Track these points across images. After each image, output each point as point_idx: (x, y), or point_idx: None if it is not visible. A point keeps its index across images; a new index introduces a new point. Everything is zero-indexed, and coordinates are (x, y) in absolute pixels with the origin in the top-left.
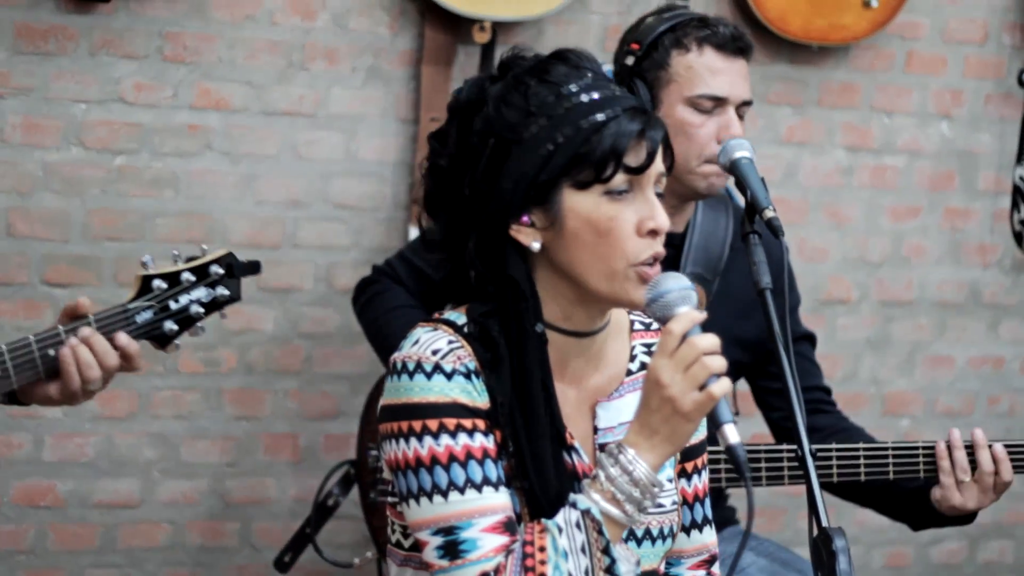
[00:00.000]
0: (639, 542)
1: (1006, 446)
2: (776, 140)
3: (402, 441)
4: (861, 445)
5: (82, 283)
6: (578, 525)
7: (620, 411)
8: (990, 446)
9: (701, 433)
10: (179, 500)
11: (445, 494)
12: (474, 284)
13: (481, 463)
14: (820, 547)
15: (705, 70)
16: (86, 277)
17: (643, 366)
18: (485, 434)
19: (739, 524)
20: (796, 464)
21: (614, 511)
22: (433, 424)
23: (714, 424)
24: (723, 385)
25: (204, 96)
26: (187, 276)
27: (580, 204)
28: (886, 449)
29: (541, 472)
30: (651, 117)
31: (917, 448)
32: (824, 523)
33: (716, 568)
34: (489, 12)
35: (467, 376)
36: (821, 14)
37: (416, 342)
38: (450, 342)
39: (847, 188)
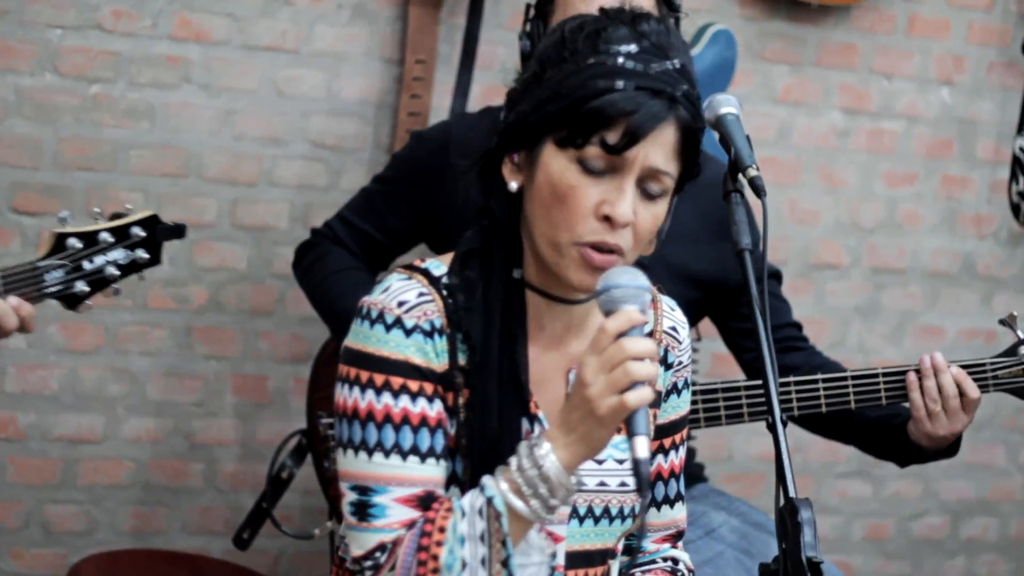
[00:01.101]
0: (596, 520)
1: (963, 366)
2: (771, 99)
3: (347, 387)
4: (820, 376)
5: (51, 211)
6: (480, 512)
7: None
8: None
9: (684, 408)
10: (143, 438)
11: (370, 453)
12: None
13: (415, 430)
14: (785, 517)
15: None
16: (55, 206)
17: None
18: (430, 400)
19: (707, 482)
20: (759, 402)
21: (517, 503)
22: (379, 379)
23: (627, 432)
24: (641, 395)
25: (184, 27)
26: (105, 236)
27: (553, 161)
28: (845, 378)
29: (486, 439)
30: (667, 104)
31: (877, 374)
32: (791, 493)
33: (681, 544)
34: None
35: (428, 335)
36: None
37: (386, 289)
38: (420, 294)
39: (842, 151)
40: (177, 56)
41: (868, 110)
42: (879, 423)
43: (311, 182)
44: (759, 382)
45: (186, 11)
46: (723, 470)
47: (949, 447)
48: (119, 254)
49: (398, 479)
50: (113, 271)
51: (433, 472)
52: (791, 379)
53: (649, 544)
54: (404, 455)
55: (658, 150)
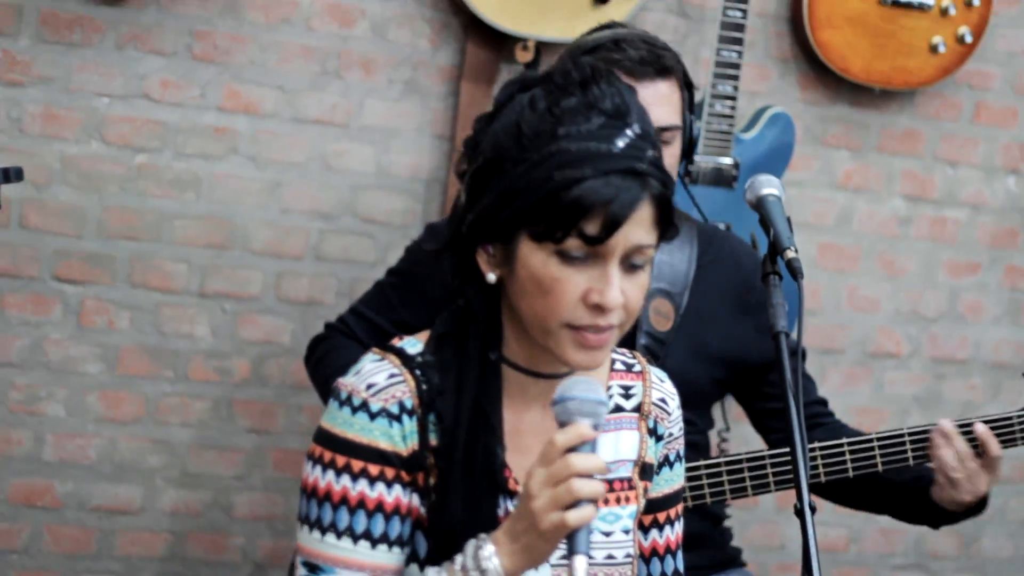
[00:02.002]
0: None
1: (987, 422)
2: (831, 184)
3: (311, 464)
4: (845, 440)
5: (94, 281)
6: None
7: None
8: (968, 430)
9: (678, 482)
10: (181, 510)
11: (324, 532)
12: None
13: (370, 516)
14: None
15: None
16: (98, 275)
17: (617, 408)
18: (389, 485)
19: (745, 567)
20: (786, 471)
21: None
22: (341, 460)
23: (568, 550)
24: (582, 514)
25: (232, 98)
26: None
27: (532, 256)
28: (871, 440)
29: (446, 523)
30: (638, 182)
31: (903, 435)
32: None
33: None
34: (534, 31)
35: (395, 418)
36: (884, 56)
37: (358, 372)
38: (391, 375)
39: (903, 238)
40: (224, 127)
41: (931, 197)
42: (905, 487)
43: (358, 257)
44: (785, 450)
45: (235, 82)
46: (775, 559)
47: (978, 505)
48: None
49: (346, 562)
50: None
51: (384, 559)
52: (816, 445)
53: None
54: (355, 539)
55: (637, 228)
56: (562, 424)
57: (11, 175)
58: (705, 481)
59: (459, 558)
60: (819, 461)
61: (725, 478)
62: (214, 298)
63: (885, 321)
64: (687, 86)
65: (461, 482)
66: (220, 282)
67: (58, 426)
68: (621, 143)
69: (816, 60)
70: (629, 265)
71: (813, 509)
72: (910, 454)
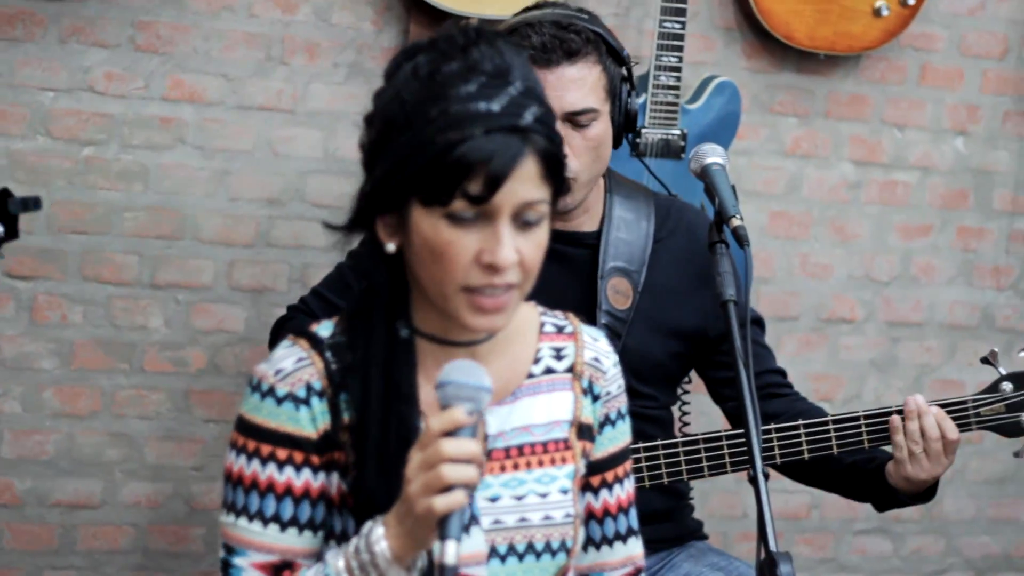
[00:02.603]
0: (520, 556)
1: (943, 405)
2: (780, 151)
3: (229, 450)
4: (801, 423)
5: (45, 276)
6: None
7: (513, 414)
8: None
9: (622, 440)
10: (142, 503)
11: (237, 515)
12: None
13: (279, 499)
14: (765, 572)
15: None
16: (49, 270)
17: (548, 370)
18: (298, 469)
19: (707, 539)
20: (741, 451)
21: None
22: (251, 445)
23: (439, 534)
24: (450, 499)
25: (177, 88)
26: None
27: (423, 222)
28: (826, 423)
29: (362, 497)
30: (520, 138)
31: (859, 419)
32: (772, 547)
33: None
34: (477, 10)
35: (303, 401)
36: (827, 22)
37: (270, 359)
38: (299, 360)
39: (854, 203)
40: (170, 117)
41: (880, 161)
42: (857, 467)
43: (309, 242)
44: (741, 431)
45: (179, 72)
46: (737, 528)
47: (926, 492)
48: None
49: (255, 544)
50: None
51: (292, 542)
52: (772, 426)
53: None
54: (265, 522)
55: (524, 184)
56: (445, 408)
57: (30, 204)
58: (663, 462)
59: (354, 540)
60: (775, 443)
61: (683, 459)
62: (166, 289)
63: (838, 287)
64: (616, 62)
65: (376, 456)
66: (172, 273)
67: (15, 422)
68: (501, 101)
69: (760, 28)
70: (522, 222)
71: (767, 476)
72: (865, 437)
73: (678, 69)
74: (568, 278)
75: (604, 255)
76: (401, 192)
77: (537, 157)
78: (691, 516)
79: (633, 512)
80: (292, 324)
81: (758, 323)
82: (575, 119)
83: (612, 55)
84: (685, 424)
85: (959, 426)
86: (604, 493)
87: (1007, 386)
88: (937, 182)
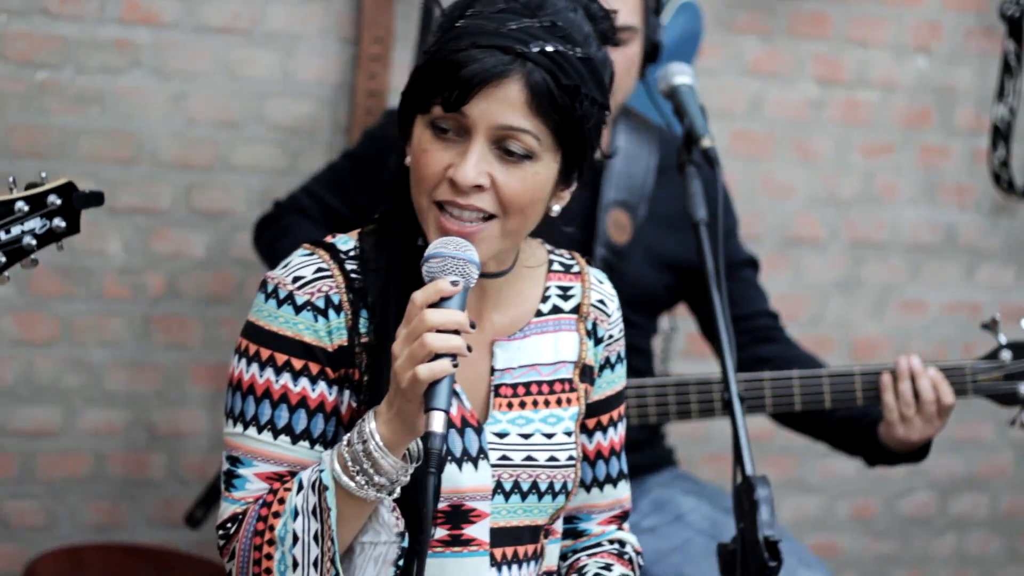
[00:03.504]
0: (524, 495)
1: (942, 368)
2: (741, 70)
3: (237, 357)
4: (796, 372)
5: None
6: (313, 485)
7: (521, 351)
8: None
9: (619, 383)
10: (103, 430)
11: (246, 425)
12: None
13: (292, 410)
14: (742, 496)
15: None
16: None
17: (555, 309)
18: (313, 380)
19: (677, 466)
20: (708, 397)
21: (343, 478)
22: (265, 353)
23: (424, 406)
24: (433, 367)
25: (132, 10)
26: (21, 206)
27: (416, 131)
28: (820, 377)
29: (377, 403)
30: (513, 61)
31: (853, 375)
32: (748, 471)
33: (627, 525)
34: None
35: (322, 312)
36: None
37: (286, 265)
38: (319, 270)
39: (816, 122)
40: (126, 40)
41: (842, 80)
42: (849, 422)
43: (268, 165)
44: (709, 381)
45: None
46: (702, 450)
47: (918, 451)
48: (36, 223)
49: (264, 455)
50: (31, 241)
51: (302, 454)
52: (765, 374)
53: (594, 526)
54: (276, 433)
55: (504, 108)
56: (427, 281)
57: (92, 200)
58: (651, 400)
59: (348, 434)
60: (766, 392)
61: (672, 400)
62: (124, 214)
63: (801, 206)
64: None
65: (390, 369)
66: (129, 197)
67: None
68: (511, 25)
69: None
70: (504, 151)
71: (742, 400)
72: (859, 394)
73: None
74: (568, 207)
75: (607, 184)
76: (410, 101)
77: (526, 84)
78: (663, 444)
79: (623, 455)
80: (282, 224)
81: (752, 264)
82: (617, 35)
83: None
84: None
85: (955, 391)
86: (598, 435)
87: (1006, 355)
88: (899, 100)
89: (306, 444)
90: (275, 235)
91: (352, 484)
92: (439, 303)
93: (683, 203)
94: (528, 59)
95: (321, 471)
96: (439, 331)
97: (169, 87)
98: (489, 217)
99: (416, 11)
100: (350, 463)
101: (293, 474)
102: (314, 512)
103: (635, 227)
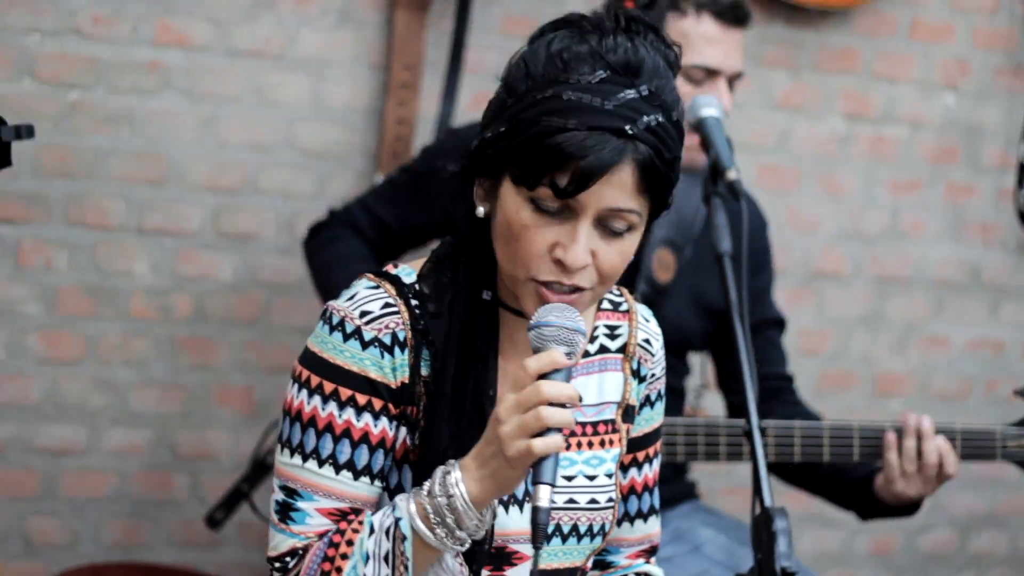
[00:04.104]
0: (564, 538)
1: (971, 432)
2: (769, 104)
3: (298, 387)
4: (797, 423)
5: (30, 219)
6: (387, 532)
7: None
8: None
9: (657, 420)
10: (126, 449)
11: (306, 458)
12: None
13: (355, 446)
14: (760, 527)
15: (700, 39)
16: (35, 214)
17: (603, 348)
18: (376, 416)
19: (699, 499)
20: (737, 441)
21: (423, 529)
22: (329, 387)
23: (532, 478)
24: (549, 442)
25: (165, 32)
26: None
27: (510, 198)
28: (821, 429)
29: (431, 450)
30: (623, 144)
31: (851, 427)
32: (767, 502)
33: (654, 560)
34: None
35: (388, 348)
36: None
37: (352, 297)
38: (386, 304)
39: (843, 157)
40: (158, 62)
41: (870, 116)
42: (844, 474)
43: (297, 190)
44: (739, 425)
45: (167, 16)
46: (723, 483)
47: (910, 506)
48: None
49: (326, 490)
50: None
51: (363, 491)
52: (770, 423)
53: (622, 559)
54: (338, 468)
55: (614, 191)
56: (536, 351)
57: (23, 132)
58: (680, 440)
59: (427, 483)
60: (770, 442)
61: (679, 438)
62: (152, 235)
63: (827, 241)
64: None
65: (449, 413)
66: (158, 218)
67: None
68: (616, 101)
69: None
70: (607, 229)
71: (762, 431)
72: (856, 450)
73: None
74: None
75: (654, 224)
76: (497, 161)
77: (636, 167)
78: (686, 478)
79: (656, 491)
80: (332, 231)
81: (779, 325)
82: (735, 80)
83: None
84: (699, 403)
85: (983, 455)
86: (633, 471)
87: None
88: (927, 137)
89: (367, 479)
90: (320, 244)
91: (432, 536)
92: (549, 373)
93: (761, 274)
94: (637, 139)
95: (398, 519)
96: (551, 404)
97: (200, 110)
98: (580, 289)
99: (446, 39)
100: (431, 514)
101: (355, 511)
102: (386, 558)
103: (679, 267)
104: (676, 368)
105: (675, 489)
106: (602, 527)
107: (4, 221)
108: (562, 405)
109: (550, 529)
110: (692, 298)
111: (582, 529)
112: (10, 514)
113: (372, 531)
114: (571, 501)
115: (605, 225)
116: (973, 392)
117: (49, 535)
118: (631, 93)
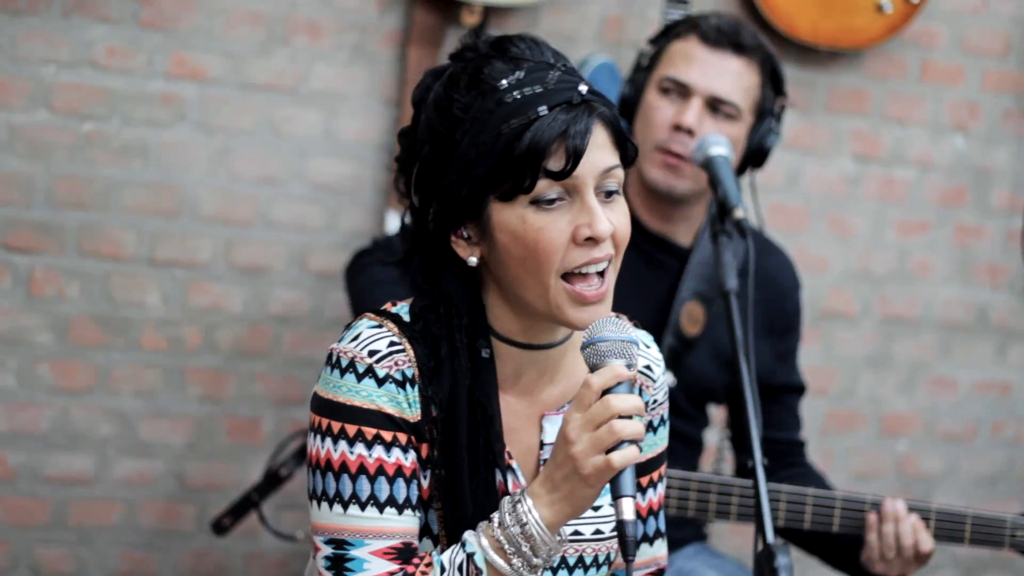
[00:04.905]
0: (571, 570)
1: (982, 518)
2: (779, 144)
3: (319, 437)
4: (784, 487)
5: (43, 250)
6: (461, 568)
7: None
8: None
9: (660, 445)
10: (135, 480)
11: (345, 505)
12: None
13: (391, 481)
14: (763, 564)
15: (679, 55)
16: (48, 244)
17: None
18: (404, 450)
19: (706, 540)
20: (748, 503)
21: (499, 561)
22: (351, 429)
23: (612, 494)
24: (627, 454)
25: (180, 65)
26: None
27: (507, 217)
28: (805, 495)
29: (456, 494)
30: (584, 109)
31: (834, 501)
32: (769, 539)
33: None
34: None
35: (400, 384)
36: (830, 16)
37: (356, 338)
38: (392, 343)
39: (852, 198)
40: (172, 94)
41: (879, 157)
42: (832, 537)
43: (308, 223)
44: (781, 488)
45: (182, 49)
46: (727, 522)
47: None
48: None
49: (375, 531)
50: None
51: (410, 523)
52: (773, 488)
53: None
54: (381, 507)
55: (600, 152)
56: (593, 367)
57: None
58: (693, 494)
59: (496, 516)
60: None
61: (713, 497)
62: (164, 266)
63: (835, 281)
64: (775, 91)
65: (465, 457)
66: (170, 250)
67: (9, 396)
68: (553, 81)
69: (763, 20)
70: (605, 193)
71: (766, 467)
72: (837, 520)
73: None
74: (648, 288)
75: (687, 277)
76: (476, 196)
77: (603, 123)
78: (693, 521)
79: (662, 515)
80: (371, 258)
81: (799, 391)
82: (717, 105)
83: (774, 83)
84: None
85: (991, 542)
86: (637, 497)
87: None
88: (936, 179)
89: (409, 512)
90: (362, 267)
91: (508, 567)
92: (612, 387)
93: (788, 338)
94: (590, 101)
95: (471, 554)
96: (621, 416)
97: (213, 142)
98: (603, 270)
99: None
100: (506, 545)
101: (408, 547)
102: None
103: (707, 321)
104: (697, 419)
105: (682, 532)
106: (607, 556)
107: (17, 250)
108: (629, 417)
109: (555, 561)
110: (718, 353)
111: (587, 560)
112: (19, 542)
113: (443, 570)
114: (576, 533)
115: (603, 189)
116: (980, 433)
117: (57, 564)
118: (557, 73)
